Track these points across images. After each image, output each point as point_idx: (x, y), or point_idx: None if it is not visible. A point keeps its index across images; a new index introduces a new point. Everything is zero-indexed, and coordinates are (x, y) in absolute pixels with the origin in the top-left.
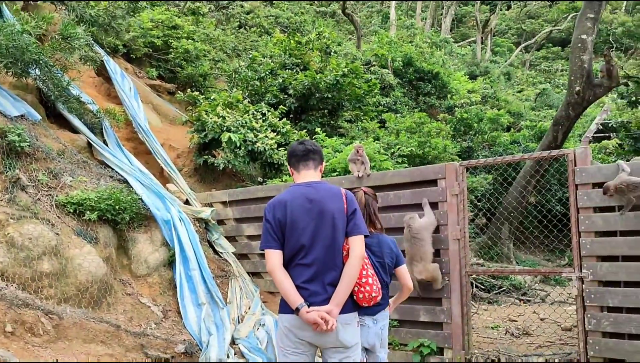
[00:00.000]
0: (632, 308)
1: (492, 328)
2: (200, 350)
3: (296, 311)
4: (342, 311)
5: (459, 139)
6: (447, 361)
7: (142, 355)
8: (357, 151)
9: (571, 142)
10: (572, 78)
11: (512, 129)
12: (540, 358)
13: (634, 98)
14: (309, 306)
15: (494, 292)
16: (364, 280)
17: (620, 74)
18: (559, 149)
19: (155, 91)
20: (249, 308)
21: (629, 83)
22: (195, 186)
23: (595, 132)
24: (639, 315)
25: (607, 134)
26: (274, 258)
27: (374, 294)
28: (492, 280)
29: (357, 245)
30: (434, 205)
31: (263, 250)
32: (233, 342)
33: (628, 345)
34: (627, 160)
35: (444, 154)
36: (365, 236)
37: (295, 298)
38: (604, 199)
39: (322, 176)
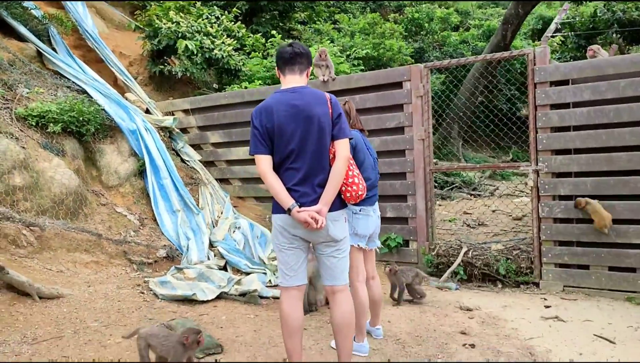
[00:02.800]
0: (580, 196)
1: (450, 221)
2: (181, 254)
3: (288, 211)
4: (331, 209)
5: (410, 40)
6: (412, 251)
7: (126, 261)
8: (321, 55)
9: (517, 40)
10: None
11: (460, 28)
12: (499, 244)
13: None
14: (300, 206)
15: (447, 189)
16: (350, 180)
17: None
18: (508, 47)
19: None
20: (221, 213)
21: None
22: (151, 95)
23: (554, 32)
24: None
25: (564, 33)
26: (264, 162)
27: (360, 192)
28: (445, 177)
29: (342, 147)
30: (399, 107)
31: (253, 156)
32: (211, 245)
33: (576, 228)
34: (572, 57)
35: (398, 55)
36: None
37: (286, 200)
38: (560, 96)
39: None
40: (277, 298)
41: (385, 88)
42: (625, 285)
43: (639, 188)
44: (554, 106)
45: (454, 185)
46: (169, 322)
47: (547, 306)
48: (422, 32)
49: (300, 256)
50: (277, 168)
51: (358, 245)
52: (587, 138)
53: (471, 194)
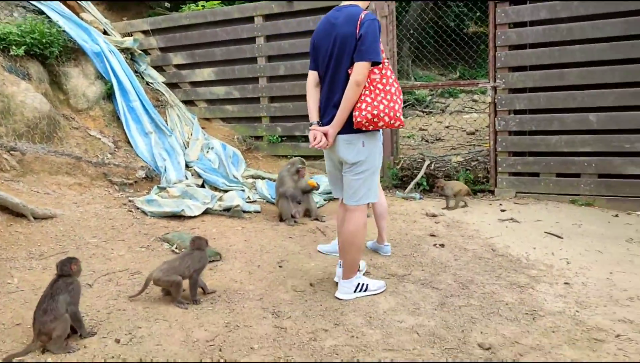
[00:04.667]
0: (533, 110)
1: (408, 137)
2: (159, 174)
3: (310, 126)
4: (343, 132)
5: None
6: None
7: (107, 182)
8: None
9: None
10: None
11: None
12: (458, 157)
13: None
14: (320, 124)
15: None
16: (358, 104)
17: None
18: None
19: None
20: (191, 134)
21: None
22: (104, 15)
23: None
24: (537, 115)
25: None
26: (309, 77)
27: (359, 119)
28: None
29: (355, 70)
30: None
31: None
32: (187, 166)
33: (528, 140)
34: None
35: None
36: (375, 63)
37: (311, 116)
38: (518, 15)
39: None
40: (258, 212)
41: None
42: (570, 189)
43: (585, 101)
44: (513, 25)
45: (407, 103)
46: (164, 235)
47: (502, 210)
48: None
49: (333, 172)
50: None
51: None
52: (542, 55)
53: (423, 112)
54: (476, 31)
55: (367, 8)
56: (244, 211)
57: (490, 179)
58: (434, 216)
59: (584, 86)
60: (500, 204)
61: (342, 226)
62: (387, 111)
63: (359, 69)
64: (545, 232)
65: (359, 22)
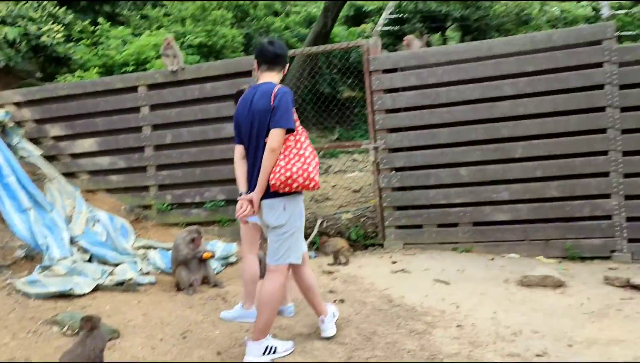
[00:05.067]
0: (412, 167)
1: None
2: (41, 252)
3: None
4: (266, 197)
5: (237, 26)
6: None
7: None
8: (168, 44)
9: (338, 28)
10: None
11: (280, 14)
12: (348, 214)
13: None
14: (247, 193)
15: None
16: (276, 168)
17: None
18: (329, 34)
19: None
20: (74, 208)
21: None
22: None
23: (383, 25)
24: (416, 171)
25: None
26: (236, 151)
27: (274, 181)
28: None
29: (270, 137)
30: None
31: None
32: (71, 241)
33: (410, 195)
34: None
35: (231, 43)
36: (289, 131)
37: (240, 187)
38: (392, 82)
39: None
40: (154, 284)
41: (235, 77)
42: (451, 237)
43: (455, 157)
44: (387, 91)
45: None
46: (52, 317)
47: (393, 262)
48: (248, 19)
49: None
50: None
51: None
52: (414, 118)
53: None
54: (349, 96)
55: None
56: (139, 284)
57: (379, 234)
58: (331, 273)
59: (454, 143)
60: (391, 257)
61: (261, 287)
62: (300, 173)
63: (274, 136)
64: (434, 280)
65: (272, 96)
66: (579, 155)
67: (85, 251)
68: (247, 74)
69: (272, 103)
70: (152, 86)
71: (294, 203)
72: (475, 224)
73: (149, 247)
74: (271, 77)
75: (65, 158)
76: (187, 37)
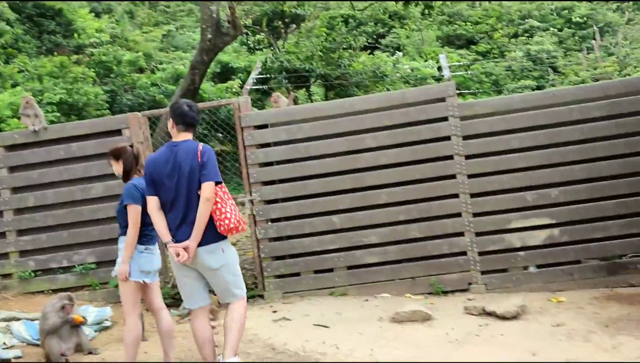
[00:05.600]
0: (287, 217)
1: None
2: None
3: (166, 246)
4: (203, 243)
5: (99, 83)
6: None
7: None
8: (27, 103)
9: (206, 84)
10: (204, 27)
11: (146, 70)
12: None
13: (251, 45)
14: (176, 242)
15: None
16: (222, 216)
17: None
18: (197, 91)
19: None
20: None
21: (249, 32)
22: None
23: (252, 85)
24: (291, 221)
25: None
26: (151, 202)
27: (232, 225)
28: None
29: (204, 190)
30: None
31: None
32: None
33: (287, 244)
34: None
35: (94, 100)
36: (217, 183)
37: (164, 236)
38: (263, 138)
39: None
40: (20, 357)
41: (103, 136)
42: (327, 282)
43: (327, 205)
44: (259, 146)
45: None
46: None
47: (274, 311)
48: (111, 75)
49: (193, 283)
50: (163, 209)
51: (143, 281)
52: (287, 170)
53: None
54: (220, 150)
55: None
56: (2, 360)
57: (259, 285)
58: (213, 327)
59: (325, 193)
60: (272, 307)
61: (228, 318)
62: (238, 218)
63: (208, 189)
64: (314, 324)
65: (199, 153)
66: (435, 199)
67: None
68: (116, 133)
69: (200, 160)
70: (11, 147)
71: (227, 244)
72: (349, 267)
73: (11, 319)
74: (187, 136)
75: None
76: (45, 95)
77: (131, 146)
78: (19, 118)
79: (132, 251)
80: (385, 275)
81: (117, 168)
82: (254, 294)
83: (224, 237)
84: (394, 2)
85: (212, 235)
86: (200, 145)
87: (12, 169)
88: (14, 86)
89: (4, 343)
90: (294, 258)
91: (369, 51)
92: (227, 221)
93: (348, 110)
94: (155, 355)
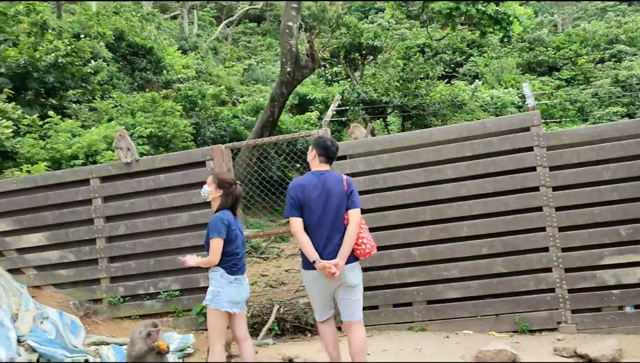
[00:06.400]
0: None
1: (252, 284)
2: None
3: (313, 263)
4: (348, 262)
5: (185, 116)
6: None
7: None
8: (120, 136)
9: (284, 116)
10: (284, 60)
11: (227, 103)
12: (304, 298)
13: (329, 77)
14: (322, 260)
15: None
16: (360, 241)
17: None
18: (276, 122)
19: None
20: (20, 305)
21: (326, 65)
22: None
23: (331, 117)
24: None
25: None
26: (297, 223)
27: (367, 250)
28: None
29: (354, 215)
30: (202, 185)
31: (287, 218)
32: (18, 341)
33: (365, 275)
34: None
35: (180, 132)
36: (362, 210)
37: (312, 254)
38: (342, 168)
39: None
40: None
41: (189, 167)
42: (406, 317)
43: (406, 237)
44: None
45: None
46: None
47: None
48: (196, 109)
49: (327, 299)
50: (306, 230)
51: (233, 311)
52: (366, 201)
53: (260, 258)
54: None
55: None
56: None
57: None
58: (291, 360)
59: (404, 224)
60: None
61: (354, 339)
62: (372, 242)
63: (356, 215)
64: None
65: (345, 183)
66: (520, 232)
67: (33, 350)
68: (200, 164)
69: (345, 188)
70: (105, 178)
71: (359, 265)
72: (429, 302)
73: (101, 343)
74: (327, 167)
75: (12, 254)
76: (137, 128)
77: (237, 183)
78: (113, 151)
79: (203, 264)
80: (468, 311)
81: (214, 195)
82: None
83: (358, 259)
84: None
85: (351, 256)
86: (344, 176)
87: (106, 199)
88: (109, 120)
89: None
90: (372, 290)
91: (446, 80)
92: (363, 246)
93: (427, 140)
94: None
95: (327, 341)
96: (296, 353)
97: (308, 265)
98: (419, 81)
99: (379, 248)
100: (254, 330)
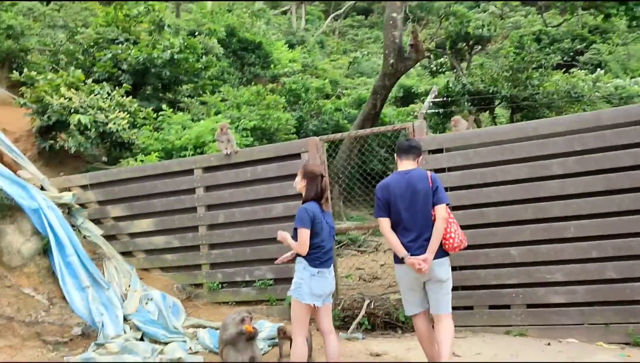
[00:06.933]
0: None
1: (346, 277)
2: (96, 330)
3: (402, 259)
4: (436, 257)
5: (289, 109)
6: None
7: (40, 342)
8: (222, 130)
9: (387, 108)
10: (387, 52)
11: (331, 96)
12: (397, 294)
13: (434, 68)
14: (411, 255)
15: (336, 247)
16: (448, 235)
17: (425, 48)
18: (379, 114)
19: None
20: (129, 286)
21: (431, 56)
22: (41, 171)
23: (428, 108)
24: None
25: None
26: (384, 223)
27: (455, 244)
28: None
29: (440, 211)
30: None
31: (376, 219)
32: (125, 319)
33: (460, 275)
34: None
35: (284, 125)
36: (447, 205)
37: (401, 251)
38: (437, 162)
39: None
40: None
41: (285, 159)
42: (503, 320)
43: (505, 236)
44: (434, 171)
45: (342, 243)
46: None
47: None
48: (300, 102)
49: (418, 294)
50: (395, 228)
51: (314, 304)
52: (462, 197)
53: (357, 251)
54: None
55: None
56: None
57: None
58: (378, 355)
59: (503, 223)
60: None
61: (442, 331)
62: (461, 237)
63: (443, 210)
64: None
65: (429, 179)
66: (635, 235)
67: (137, 329)
68: (296, 156)
69: (431, 184)
70: (207, 169)
71: (449, 261)
72: (529, 306)
73: (199, 326)
74: (411, 165)
75: (124, 237)
76: (242, 121)
77: (323, 176)
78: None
79: (292, 247)
80: (572, 318)
81: (300, 185)
82: None
83: (448, 254)
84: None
85: (440, 250)
86: (428, 172)
87: (208, 188)
88: (216, 113)
89: (190, 348)
90: (467, 290)
91: (564, 70)
92: (451, 240)
93: (531, 134)
94: None
95: (420, 335)
96: (384, 349)
97: (398, 259)
98: (531, 70)
99: (476, 247)
100: (344, 323)
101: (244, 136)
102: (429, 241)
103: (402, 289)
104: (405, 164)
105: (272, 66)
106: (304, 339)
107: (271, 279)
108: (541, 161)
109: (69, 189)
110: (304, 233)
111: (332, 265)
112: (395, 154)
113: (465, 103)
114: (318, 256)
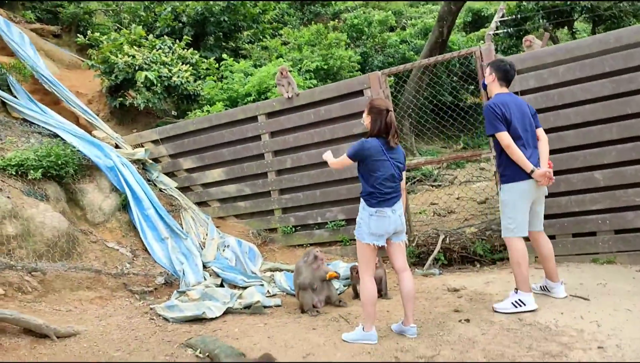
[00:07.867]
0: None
1: (420, 213)
2: (178, 279)
3: (531, 172)
4: None
5: (352, 46)
6: None
7: (128, 292)
8: (282, 73)
9: (452, 34)
10: None
11: (396, 28)
12: (472, 227)
13: None
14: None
15: (409, 183)
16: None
17: None
18: (446, 43)
19: (40, 35)
20: (206, 234)
21: None
22: (115, 130)
23: (496, 28)
24: None
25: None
26: (507, 136)
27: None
28: (407, 173)
29: (542, 133)
30: (361, 114)
31: (492, 135)
32: (204, 266)
33: None
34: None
35: (347, 63)
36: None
37: (529, 165)
38: (512, 86)
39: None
40: (279, 306)
41: (347, 97)
42: (589, 248)
43: (588, 160)
44: None
45: (415, 179)
46: (187, 341)
47: None
48: (363, 37)
49: (529, 211)
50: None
51: (374, 244)
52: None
53: (432, 186)
54: (473, 102)
55: None
56: (265, 307)
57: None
58: (456, 290)
59: (584, 145)
60: None
61: (545, 245)
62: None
63: (543, 132)
64: (571, 295)
65: (527, 105)
66: None
67: (217, 275)
68: (359, 93)
69: (529, 110)
70: (271, 114)
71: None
72: (618, 232)
73: (276, 269)
74: (506, 90)
75: (198, 188)
76: (304, 63)
77: (389, 110)
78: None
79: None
80: None
81: (367, 121)
82: (502, 257)
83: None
84: None
85: None
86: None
87: (273, 134)
88: (278, 57)
89: (268, 291)
90: (548, 219)
91: None
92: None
93: (613, 45)
94: (396, 315)
95: (523, 255)
96: (462, 284)
97: (519, 176)
98: None
99: (555, 173)
100: (420, 259)
101: (307, 79)
102: (538, 160)
103: (519, 208)
104: (504, 89)
105: (332, 2)
106: (371, 277)
107: (342, 220)
108: (627, 74)
109: (142, 145)
110: (344, 159)
111: (397, 203)
112: (492, 75)
113: (540, 20)
114: (375, 196)
